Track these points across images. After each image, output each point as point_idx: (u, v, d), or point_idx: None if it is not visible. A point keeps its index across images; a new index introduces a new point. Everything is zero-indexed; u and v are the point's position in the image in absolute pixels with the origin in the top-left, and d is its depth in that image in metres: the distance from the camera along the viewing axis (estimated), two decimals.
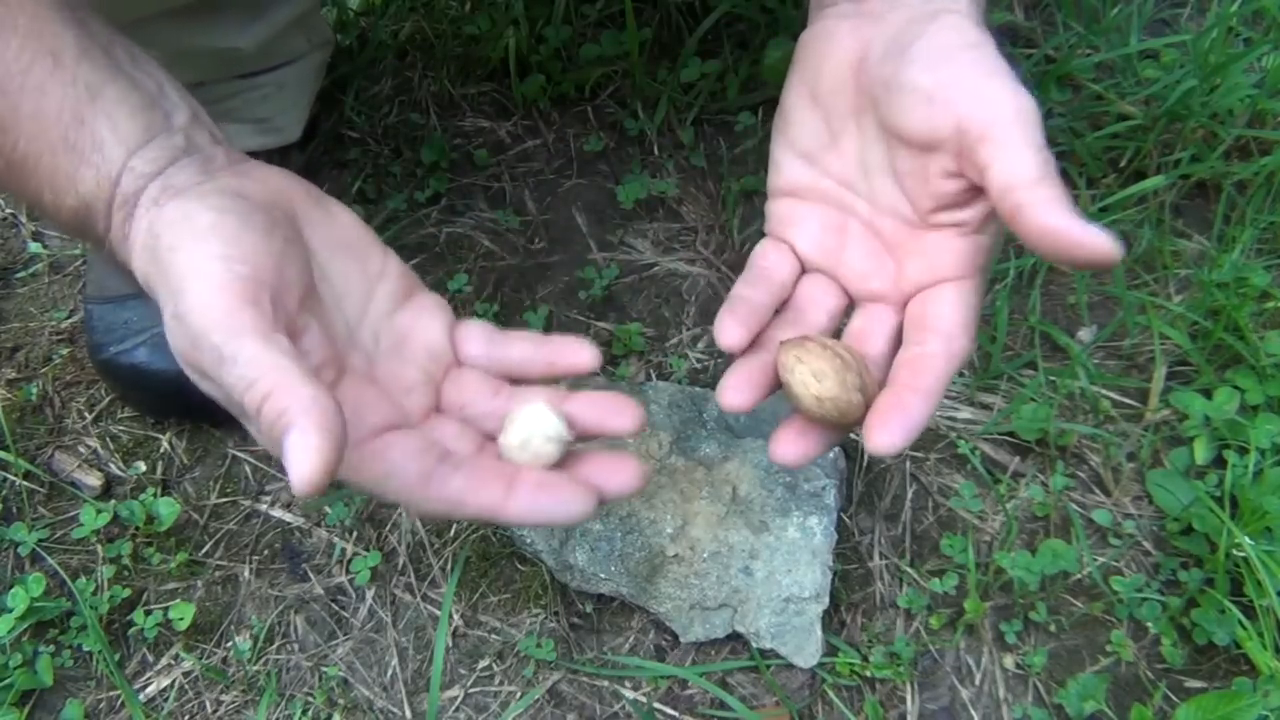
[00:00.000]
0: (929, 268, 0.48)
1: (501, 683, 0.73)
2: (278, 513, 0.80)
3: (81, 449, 0.83)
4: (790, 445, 0.46)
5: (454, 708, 0.72)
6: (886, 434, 0.42)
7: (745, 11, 1.01)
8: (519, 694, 0.72)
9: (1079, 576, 0.76)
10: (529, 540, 0.73)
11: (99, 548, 0.78)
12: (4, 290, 0.93)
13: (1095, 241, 0.40)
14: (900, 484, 0.81)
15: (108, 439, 0.83)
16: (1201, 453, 0.80)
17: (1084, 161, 0.95)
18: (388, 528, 0.79)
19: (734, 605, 0.72)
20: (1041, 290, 0.88)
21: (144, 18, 0.70)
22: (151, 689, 0.73)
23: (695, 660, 0.73)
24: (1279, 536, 0.72)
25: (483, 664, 0.74)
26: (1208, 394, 0.82)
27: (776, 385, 0.47)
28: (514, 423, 0.47)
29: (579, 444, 0.48)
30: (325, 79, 0.98)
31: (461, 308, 0.88)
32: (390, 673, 0.74)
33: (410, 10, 1.08)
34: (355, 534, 0.79)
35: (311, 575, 0.78)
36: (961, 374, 0.85)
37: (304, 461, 0.37)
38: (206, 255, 0.41)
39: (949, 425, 0.83)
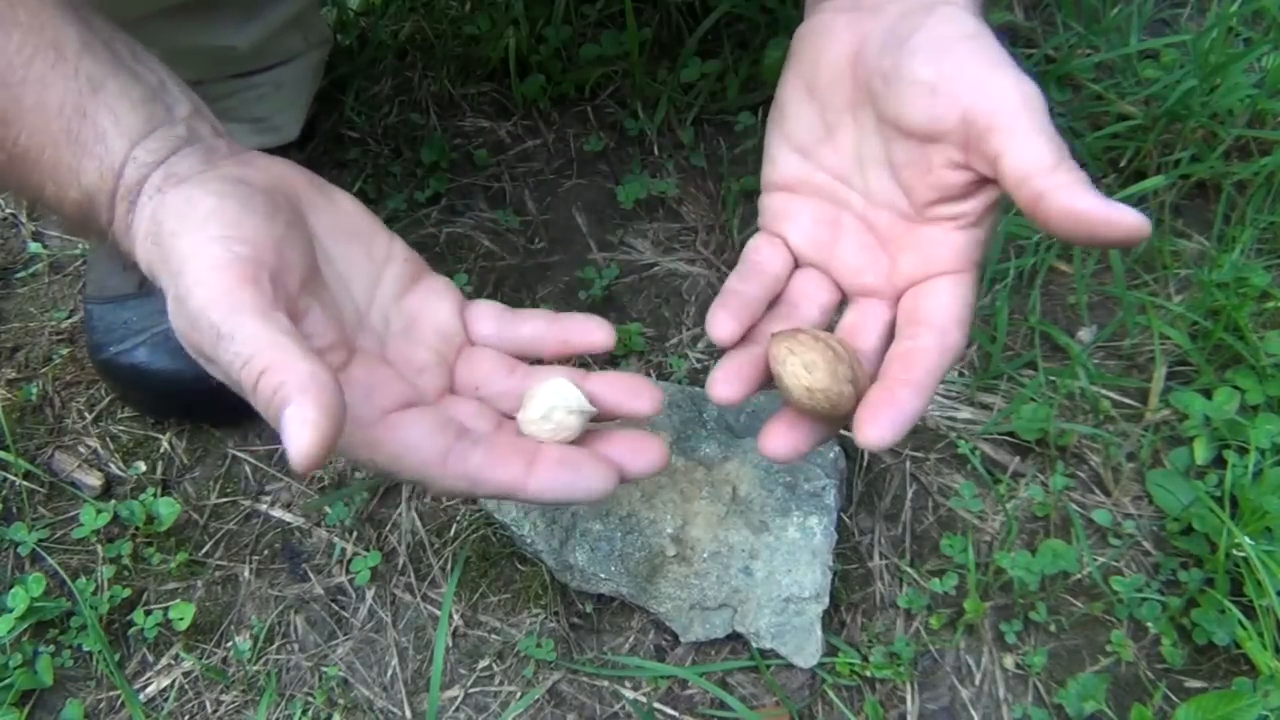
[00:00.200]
0: (923, 261, 0.48)
1: (501, 683, 0.73)
2: (278, 513, 0.80)
3: (81, 449, 0.83)
4: (780, 438, 0.46)
5: (454, 708, 0.72)
6: (876, 427, 0.42)
7: (745, 11, 1.01)
8: (519, 694, 0.72)
9: (1079, 576, 0.76)
10: (529, 540, 0.73)
11: (99, 548, 0.78)
12: (4, 290, 0.93)
13: (1126, 218, 0.40)
14: (900, 484, 0.81)
15: (108, 439, 0.83)
16: (1201, 453, 0.80)
17: (1084, 161, 0.95)
18: (388, 528, 0.79)
19: (734, 605, 0.72)
20: (1041, 290, 0.88)
21: (140, 17, 0.70)
22: (151, 689, 0.73)
23: (695, 660, 0.73)
24: (1279, 536, 0.72)
25: (483, 664, 0.74)
26: (1208, 394, 0.82)
27: (767, 378, 0.47)
28: (535, 396, 0.47)
29: (595, 424, 0.48)
30: (325, 79, 0.98)
31: None
32: (390, 673, 0.74)
33: (410, 10, 1.08)
34: (355, 534, 0.79)
35: (311, 575, 0.78)
36: (961, 374, 0.86)
37: (301, 436, 0.37)
38: (207, 238, 0.42)
39: (949, 425, 0.83)
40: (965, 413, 0.84)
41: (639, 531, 0.72)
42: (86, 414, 0.85)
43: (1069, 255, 0.91)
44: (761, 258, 0.52)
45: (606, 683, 0.73)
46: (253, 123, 0.88)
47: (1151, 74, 0.99)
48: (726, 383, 0.46)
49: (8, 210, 0.98)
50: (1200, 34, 0.97)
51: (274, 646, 0.75)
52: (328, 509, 0.80)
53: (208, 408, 0.82)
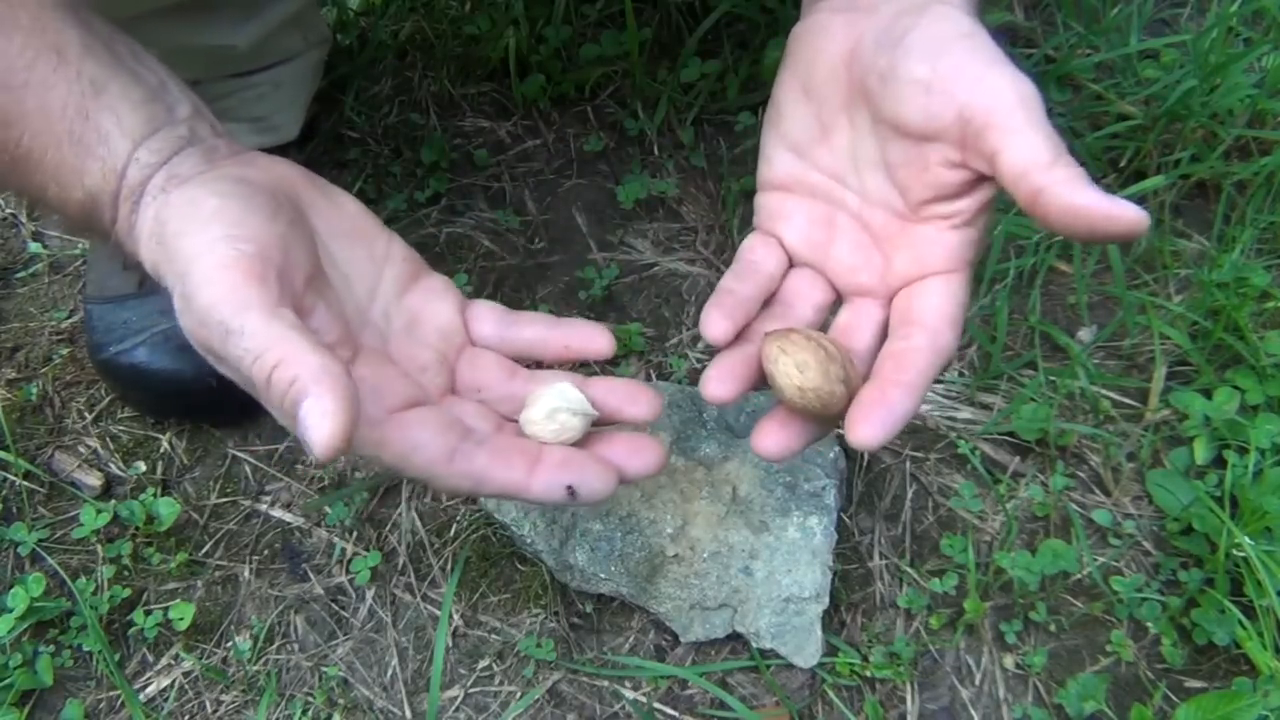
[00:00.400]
0: (917, 261, 0.48)
1: (501, 683, 0.73)
2: (278, 513, 0.80)
3: (81, 449, 0.83)
4: (772, 437, 0.46)
5: (454, 708, 0.72)
6: (868, 427, 0.42)
7: (745, 11, 1.01)
8: (519, 694, 0.72)
9: (1079, 576, 0.76)
10: (529, 540, 0.73)
11: (99, 548, 0.78)
12: (4, 290, 0.93)
13: (1125, 213, 0.40)
14: (900, 484, 0.81)
15: (108, 439, 0.83)
16: (1201, 453, 0.80)
17: (1084, 161, 0.94)
18: (388, 528, 0.79)
19: (734, 605, 0.72)
20: (1041, 290, 0.88)
21: (138, 16, 0.70)
22: (151, 689, 0.73)
23: (695, 660, 0.73)
24: (1279, 536, 0.72)
25: (483, 664, 0.74)
26: (1208, 394, 0.82)
27: (760, 378, 0.47)
28: (540, 398, 0.48)
29: (593, 428, 0.49)
30: (325, 79, 0.98)
31: None
32: (390, 673, 0.74)
33: (410, 10, 1.08)
34: (355, 534, 0.79)
35: (311, 575, 0.78)
36: (961, 374, 0.86)
37: (322, 426, 0.37)
38: (211, 237, 0.42)
39: (949, 425, 0.83)
40: (965, 413, 0.84)
41: (639, 531, 0.72)
42: (86, 414, 0.85)
43: (1069, 255, 0.91)
44: (756, 257, 0.52)
45: (606, 683, 0.73)
46: (252, 122, 0.88)
47: (1151, 74, 0.99)
48: (719, 382, 0.47)
49: (8, 210, 0.98)
50: (1200, 34, 0.97)
51: (274, 646, 0.75)
52: (328, 509, 0.80)
53: (208, 408, 0.82)
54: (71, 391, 0.86)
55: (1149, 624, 0.74)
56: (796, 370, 0.44)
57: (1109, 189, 0.99)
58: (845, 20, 0.49)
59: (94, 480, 0.81)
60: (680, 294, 0.91)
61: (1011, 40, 1.05)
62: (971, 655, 0.74)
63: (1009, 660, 0.74)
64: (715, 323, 0.47)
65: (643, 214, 0.96)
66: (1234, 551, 0.72)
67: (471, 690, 0.73)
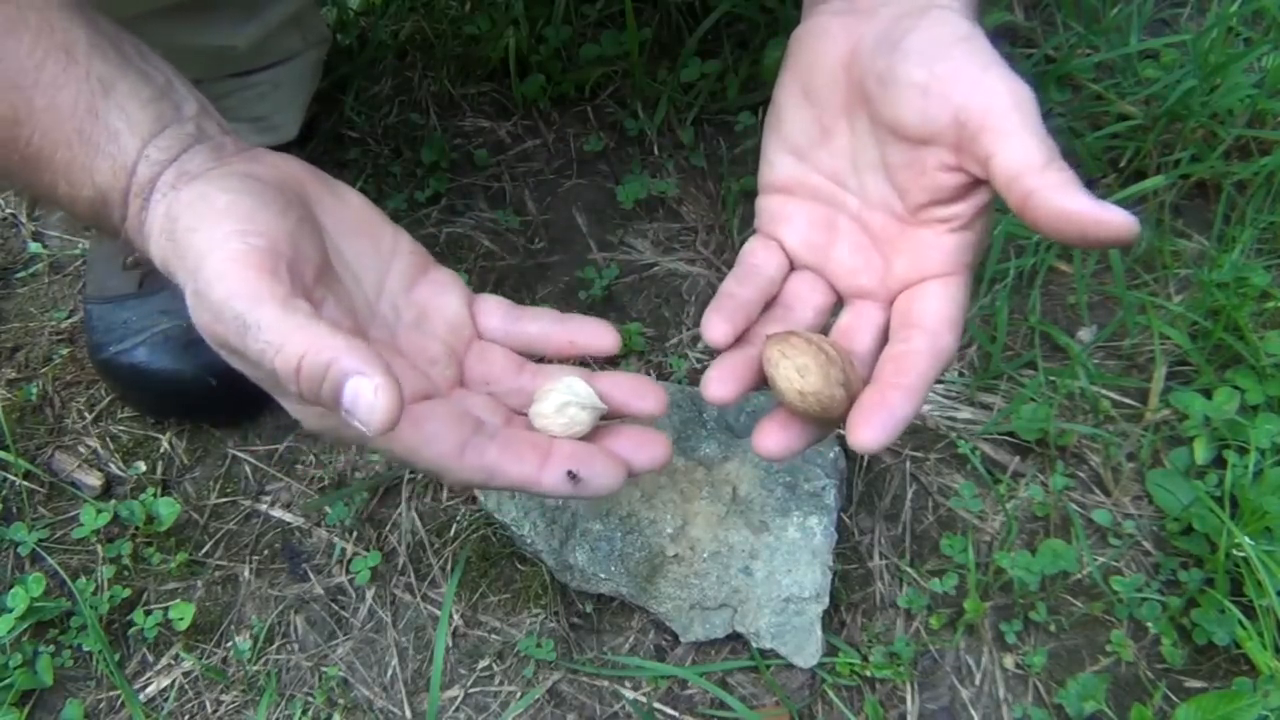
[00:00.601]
0: (916, 264, 0.48)
1: (501, 683, 0.73)
2: (278, 513, 0.80)
3: (81, 449, 0.83)
4: (773, 437, 0.47)
5: (454, 708, 0.72)
6: (869, 430, 0.42)
7: (745, 11, 1.01)
8: (519, 694, 0.72)
9: (1079, 576, 0.76)
10: (529, 540, 0.73)
11: (99, 548, 0.78)
12: (4, 290, 0.93)
13: (1114, 219, 0.40)
14: (900, 484, 0.81)
15: (108, 439, 0.83)
16: (1201, 453, 0.80)
17: (1084, 161, 0.95)
18: (388, 528, 0.79)
19: (734, 605, 0.72)
20: (1041, 290, 0.88)
21: (138, 16, 0.70)
22: (151, 689, 0.73)
23: (695, 660, 0.73)
24: (1279, 536, 0.72)
25: (483, 664, 0.74)
26: (1208, 394, 0.82)
27: (761, 379, 0.48)
28: (549, 392, 0.48)
29: (600, 422, 0.49)
30: (325, 79, 0.98)
31: None
32: (390, 673, 0.74)
33: (410, 10, 1.08)
34: (355, 534, 0.79)
35: (311, 575, 0.78)
36: (961, 374, 0.86)
37: (378, 400, 0.38)
38: (223, 232, 0.42)
39: (949, 425, 0.83)
40: (965, 413, 0.84)
41: (639, 531, 0.72)
42: (86, 414, 0.85)
43: (1069, 255, 0.91)
44: (757, 260, 0.52)
45: (606, 683, 0.73)
46: (252, 122, 0.88)
47: (1151, 74, 0.99)
48: (720, 383, 0.47)
49: (8, 210, 0.98)
50: (1200, 34, 0.97)
51: (274, 646, 0.75)
52: (328, 509, 0.80)
53: (207, 408, 0.82)
54: (71, 391, 0.86)
55: (1149, 624, 0.74)
56: (797, 374, 0.45)
57: (1109, 189, 1.00)
58: (845, 23, 0.50)
59: (94, 480, 0.81)
60: (680, 294, 0.91)
61: (1011, 40, 1.05)
62: (971, 655, 0.74)
63: (1009, 660, 0.74)
64: (716, 326, 0.48)
65: (643, 214, 0.96)
66: (1234, 551, 0.72)
67: (471, 690, 0.73)
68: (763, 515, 0.73)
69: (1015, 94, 0.43)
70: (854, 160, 0.51)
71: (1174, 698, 0.72)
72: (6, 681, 0.71)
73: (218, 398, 0.80)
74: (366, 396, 0.38)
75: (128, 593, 0.76)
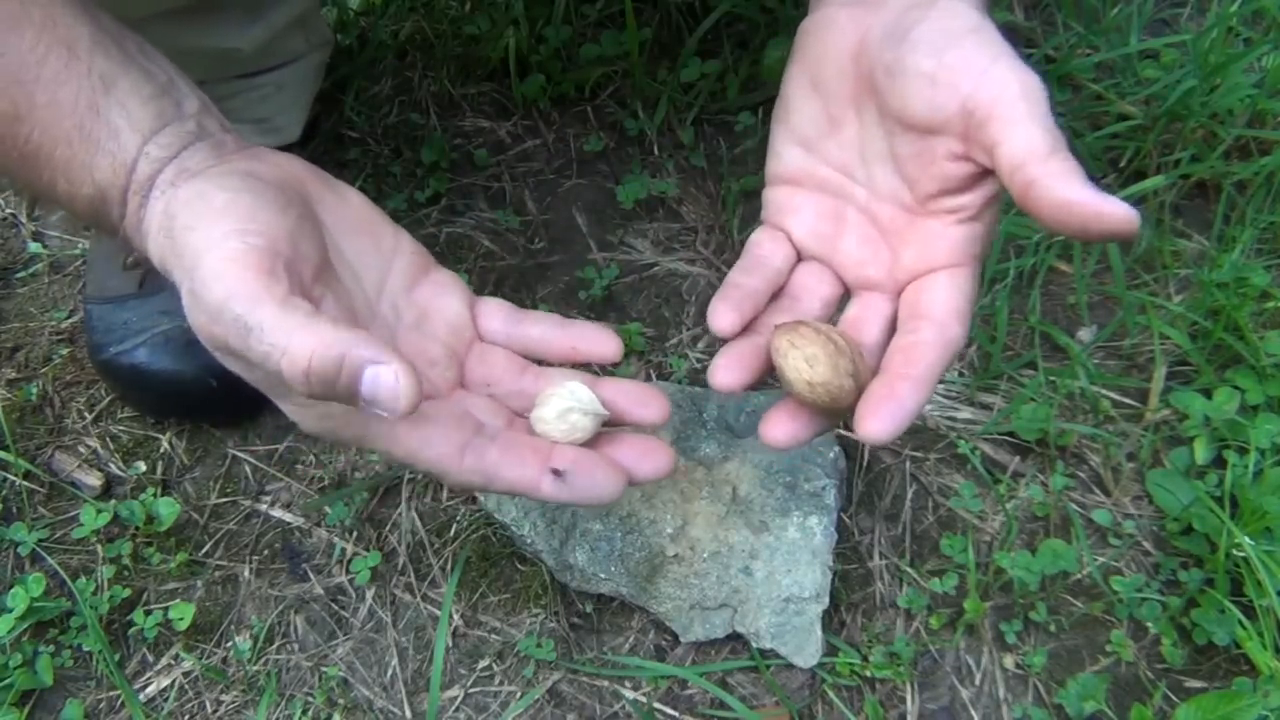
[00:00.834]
0: (925, 255, 0.48)
1: (501, 683, 0.73)
2: (278, 513, 0.80)
3: (81, 449, 0.83)
4: (781, 427, 0.46)
5: (454, 708, 0.72)
6: (877, 421, 0.42)
7: (745, 11, 1.01)
8: (519, 694, 0.72)
9: (1079, 576, 0.76)
10: (529, 540, 0.73)
11: (99, 548, 0.78)
12: (4, 290, 0.93)
13: (1115, 211, 0.39)
14: (900, 484, 0.81)
15: (108, 439, 0.83)
16: (1201, 453, 0.80)
17: (1084, 161, 0.94)
18: (388, 528, 0.79)
19: (734, 605, 0.72)
20: (1041, 290, 0.88)
21: (143, 17, 0.70)
22: (151, 689, 0.73)
23: (695, 660, 0.73)
24: (1279, 536, 0.72)
25: (483, 664, 0.74)
26: (1208, 394, 0.82)
27: (769, 368, 0.47)
28: (551, 397, 0.48)
29: (602, 428, 0.49)
30: (325, 79, 0.98)
31: None
32: (390, 673, 0.74)
33: (410, 10, 1.08)
34: (355, 534, 0.79)
35: (311, 575, 0.78)
36: (961, 374, 0.86)
37: (400, 381, 0.38)
38: (221, 231, 0.42)
39: (949, 425, 0.83)
40: (965, 413, 0.84)
41: (639, 531, 0.72)
42: (86, 414, 0.85)
43: (1069, 255, 0.91)
44: (764, 251, 0.52)
45: (606, 683, 0.73)
46: (255, 123, 0.88)
47: (1151, 74, 0.99)
48: (728, 370, 0.46)
49: (8, 210, 0.98)
50: (1200, 34, 0.97)
51: (274, 646, 0.75)
52: (328, 509, 0.80)
53: (208, 408, 0.82)
54: (71, 391, 0.86)
55: (1149, 624, 0.74)
56: (806, 365, 0.44)
57: (1109, 189, 0.99)
58: (853, 15, 0.50)
59: (94, 480, 0.81)
60: (680, 294, 0.91)
61: (1011, 40, 1.05)
62: (971, 655, 0.74)
63: (1009, 660, 0.74)
64: (723, 315, 0.47)
65: (643, 214, 0.96)
66: (1234, 551, 0.72)
67: (471, 690, 0.73)
68: (763, 515, 0.73)
69: (1024, 84, 0.43)
70: (862, 151, 0.50)
71: (1174, 698, 0.72)
72: (6, 681, 0.71)
73: (218, 398, 0.80)
74: (388, 382, 0.38)
75: (128, 593, 0.76)
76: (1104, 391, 0.84)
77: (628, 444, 0.48)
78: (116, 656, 0.74)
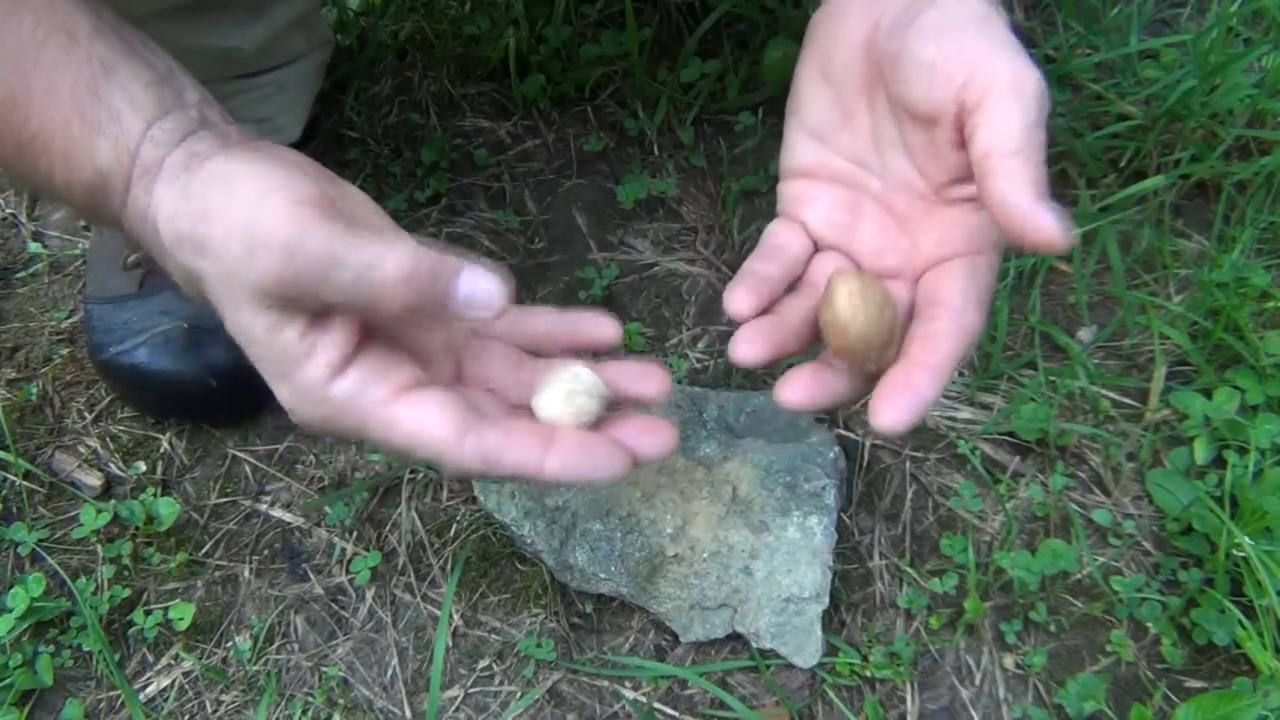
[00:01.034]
0: (941, 243, 0.48)
1: (501, 683, 0.73)
2: (278, 513, 0.80)
3: (81, 449, 0.83)
4: (800, 387, 0.45)
5: (454, 708, 0.72)
6: (894, 410, 0.42)
7: (745, 11, 1.01)
8: (519, 694, 0.72)
9: (1079, 576, 0.76)
10: (529, 540, 0.73)
11: (99, 548, 0.78)
12: (4, 290, 0.93)
13: (1043, 225, 0.39)
14: (900, 484, 0.81)
15: (108, 439, 0.83)
16: (1201, 453, 0.80)
17: (1084, 161, 0.95)
18: (388, 528, 0.79)
19: (734, 605, 0.72)
20: (1041, 290, 0.88)
21: (144, 16, 0.70)
22: (151, 689, 0.73)
23: (695, 660, 0.73)
24: (1279, 536, 0.72)
25: (483, 664, 0.74)
26: (1208, 394, 0.82)
27: (789, 345, 0.46)
28: (555, 381, 0.48)
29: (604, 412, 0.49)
30: (326, 79, 0.98)
31: None
32: (390, 673, 0.74)
33: (410, 10, 1.08)
34: (355, 534, 0.79)
35: (311, 575, 0.78)
36: (961, 374, 0.86)
37: (492, 280, 0.42)
38: (269, 187, 0.42)
39: (949, 425, 0.83)
40: (965, 413, 0.84)
41: (639, 531, 0.72)
42: (86, 414, 0.85)
43: (1069, 255, 0.91)
44: (780, 240, 0.51)
45: (606, 683, 0.73)
46: (255, 124, 0.88)
47: (1151, 74, 0.99)
48: (749, 343, 0.45)
49: (8, 210, 0.98)
50: (1200, 34, 0.97)
51: (274, 646, 0.75)
52: (328, 509, 0.80)
53: (208, 408, 0.82)
54: (71, 391, 0.86)
55: (1149, 624, 0.74)
56: (861, 300, 0.43)
57: (1109, 189, 0.99)
58: (862, 5, 0.49)
59: (94, 480, 0.81)
60: (680, 294, 0.91)
61: None
62: (971, 655, 0.74)
63: (1009, 660, 0.74)
64: (740, 298, 0.46)
65: (643, 214, 0.96)
66: (1234, 551, 0.72)
67: (471, 690, 0.73)
68: (763, 515, 0.73)
69: (1017, 77, 0.42)
70: (875, 141, 0.50)
71: (1174, 698, 0.72)
72: (6, 681, 0.71)
73: (218, 398, 0.80)
74: (483, 281, 0.41)
75: (128, 593, 0.76)
76: (1104, 391, 0.84)
77: (630, 424, 0.47)
78: (116, 656, 0.74)
